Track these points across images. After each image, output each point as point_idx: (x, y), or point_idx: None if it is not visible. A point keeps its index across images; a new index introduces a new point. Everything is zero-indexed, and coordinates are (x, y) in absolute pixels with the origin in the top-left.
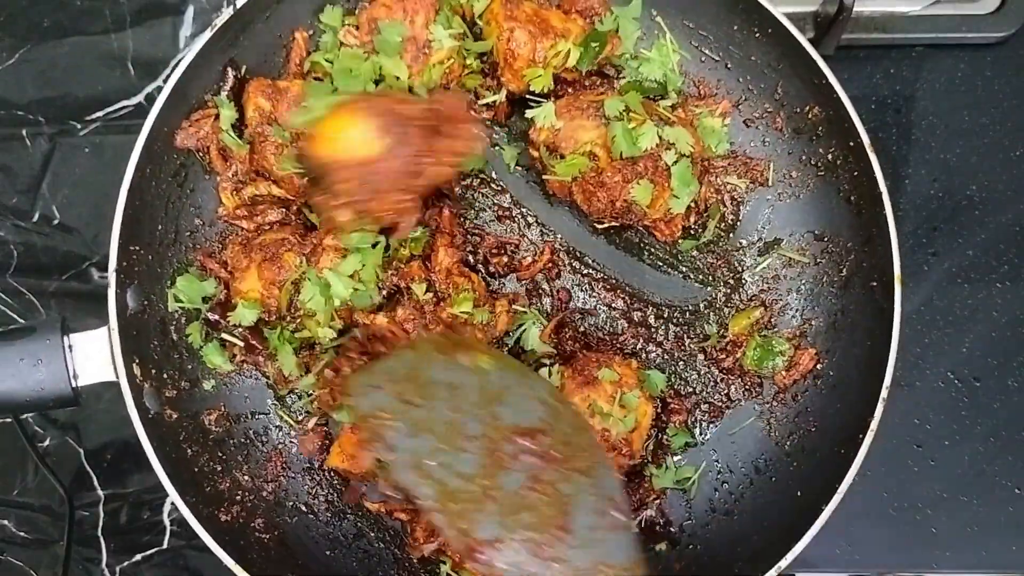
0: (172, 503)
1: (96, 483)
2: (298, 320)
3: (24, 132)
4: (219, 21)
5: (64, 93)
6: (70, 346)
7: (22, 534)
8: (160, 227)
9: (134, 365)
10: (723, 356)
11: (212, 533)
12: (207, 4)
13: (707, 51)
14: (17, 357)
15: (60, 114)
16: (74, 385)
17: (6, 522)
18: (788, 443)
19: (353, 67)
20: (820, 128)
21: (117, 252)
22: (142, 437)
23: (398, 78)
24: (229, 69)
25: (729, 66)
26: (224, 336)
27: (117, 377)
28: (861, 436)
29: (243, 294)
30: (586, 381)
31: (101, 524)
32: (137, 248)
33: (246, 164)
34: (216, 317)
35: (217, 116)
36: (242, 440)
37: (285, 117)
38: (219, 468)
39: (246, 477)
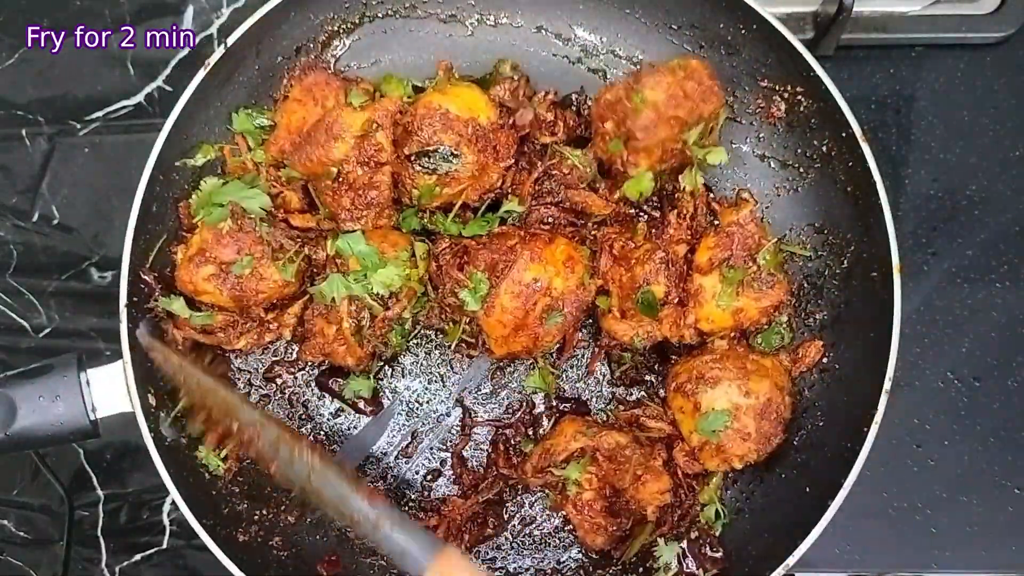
0: (172, 503)
1: (96, 483)
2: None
3: (24, 132)
4: (211, 60)
5: (64, 93)
6: (87, 381)
7: (22, 534)
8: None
9: (149, 395)
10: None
11: (230, 554)
12: (207, 4)
13: (701, 53)
14: (36, 394)
15: (60, 114)
16: (92, 418)
17: (6, 522)
18: (797, 439)
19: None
20: (812, 120)
21: (128, 286)
22: (160, 468)
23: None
24: (147, 277)
25: (720, 63)
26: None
27: (133, 409)
28: (866, 430)
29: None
30: None
31: (101, 524)
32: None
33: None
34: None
35: (169, 314)
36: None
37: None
38: (237, 490)
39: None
